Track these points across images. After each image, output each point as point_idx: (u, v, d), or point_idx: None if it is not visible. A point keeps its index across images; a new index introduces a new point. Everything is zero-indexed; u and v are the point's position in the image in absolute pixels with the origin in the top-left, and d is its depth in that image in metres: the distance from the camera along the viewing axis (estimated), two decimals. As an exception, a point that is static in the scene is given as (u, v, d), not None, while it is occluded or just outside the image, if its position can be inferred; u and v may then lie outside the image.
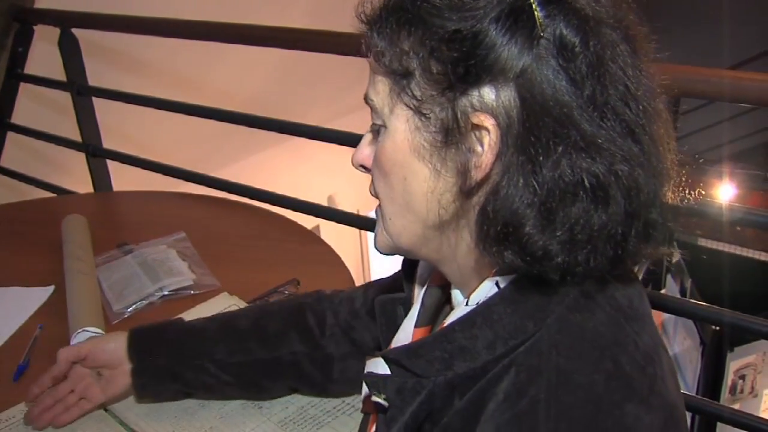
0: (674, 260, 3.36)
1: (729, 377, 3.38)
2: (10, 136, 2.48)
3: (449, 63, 0.61)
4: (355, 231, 5.62)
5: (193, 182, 2.09)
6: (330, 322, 1.06)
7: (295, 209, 1.89)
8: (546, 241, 0.59)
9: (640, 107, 0.61)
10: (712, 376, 2.86)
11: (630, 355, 0.62)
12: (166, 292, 1.41)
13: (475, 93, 0.61)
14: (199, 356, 1.05)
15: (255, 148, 4.39)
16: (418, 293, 0.81)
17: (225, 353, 1.04)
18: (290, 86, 4.20)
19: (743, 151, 5.68)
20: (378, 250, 0.75)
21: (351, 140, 1.82)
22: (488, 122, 0.60)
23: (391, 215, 0.71)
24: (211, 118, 2.03)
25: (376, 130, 0.70)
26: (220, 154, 3.96)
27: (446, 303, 0.80)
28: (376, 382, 0.71)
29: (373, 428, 0.78)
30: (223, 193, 1.97)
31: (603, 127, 0.59)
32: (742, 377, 3.45)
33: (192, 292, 1.42)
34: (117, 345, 1.06)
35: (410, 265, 0.85)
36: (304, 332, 1.05)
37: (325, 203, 5.15)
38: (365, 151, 0.74)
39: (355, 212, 2.02)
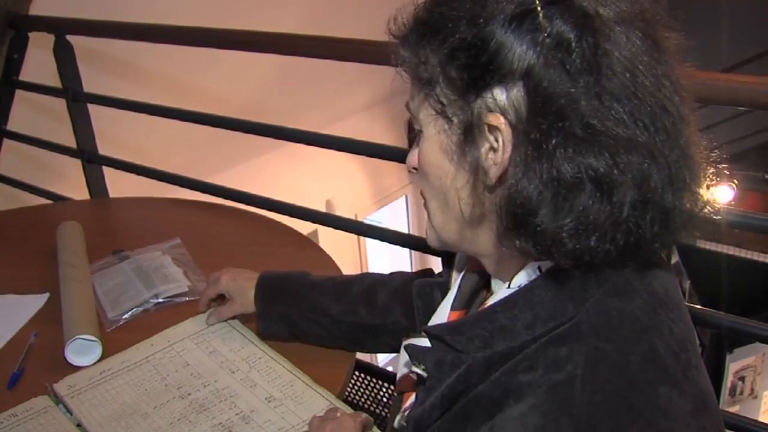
0: (672, 262, 3.36)
1: (728, 379, 3.38)
2: (6, 143, 2.47)
3: (463, 68, 0.66)
4: (353, 235, 5.62)
5: (189, 188, 2.08)
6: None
7: (291, 215, 1.88)
8: (555, 230, 0.63)
9: (651, 98, 0.63)
10: (712, 378, 2.85)
11: (665, 340, 0.65)
12: (161, 299, 1.41)
13: (489, 95, 0.65)
14: (314, 310, 1.18)
15: (251, 153, 4.38)
16: (456, 279, 0.86)
17: (338, 311, 1.17)
18: (285, 91, 4.20)
19: (740, 152, 5.69)
20: (430, 245, 0.81)
21: (345, 145, 1.82)
22: (500, 121, 0.65)
23: (434, 212, 0.77)
24: (206, 124, 2.03)
25: (418, 135, 0.76)
26: (216, 159, 3.95)
27: (482, 288, 0.84)
28: (418, 353, 0.76)
29: (408, 401, 0.81)
30: (219, 199, 1.97)
31: (606, 118, 0.62)
32: (742, 379, 3.45)
33: (187, 298, 1.41)
34: (252, 294, 1.22)
35: (449, 253, 0.92)
36: (407, 307, 1.12)
37: (323, 207, 5.16)
38: (414, 154, 0.79)
39: (353, 216, 2.02)
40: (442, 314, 0.84)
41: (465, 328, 0.71)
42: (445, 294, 0.87)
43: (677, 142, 0.65)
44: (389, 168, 5.96)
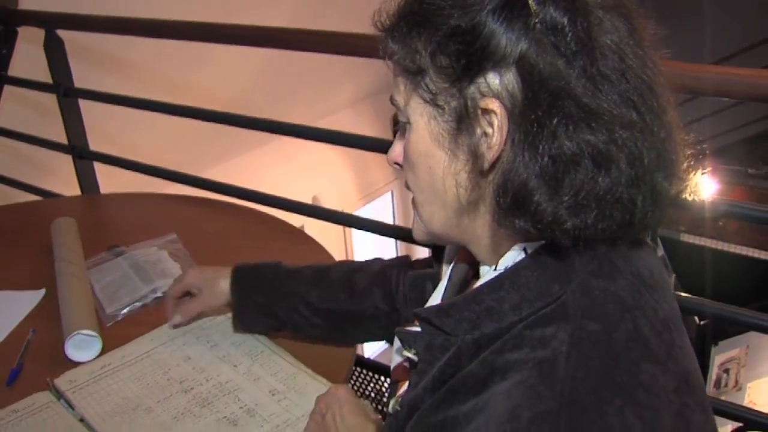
0: (658, 255, 3.38)
1: (713, 371, 3.41)
2: (-6, 138, 2.46)
3: (455, 56, 0.67)
4: (339, 230, 5.63)
5: (181, 183, 2.08)
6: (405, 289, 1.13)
7: (283, 208, 1.88)
8: (554, 208, 0.64)
9: (638, 79, 0.66)
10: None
11: (649, 320, 0.66)
12: (160, 294, 1.41)
13: (482, 80, 0.66)
14: (293, 298, 1.17)
15: (239, 150, 4.38)
16: (446, 270, 0.87)
17: (317, 298, 1.17)
18: (274, 87, 4.20)
19: (725, 146, 5.74)
20: (416, 239, 0.81)
21: (336, 138, 1.83)
22: (495, 105, 0.65)
23: (422, 203, 0.77)
24: (196, 118, 2.02)
25: (403, 128, 0.76)
26: (204, 156, 3.95)
27: (473, 279, 0.85)
28: (408, 337, 0.77)
29: (403, 388, 0.82)
30: (211, 194, 1.97)
31: (599, 98, 0.64)
32: (726, 371, 3.48)
33: (186, 293, 1.41)
34: (225, 283, 1.20)
35: (438, 246, 0.93)
36: (386, 292, 1.15)
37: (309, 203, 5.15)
38: (396, 148, 0.79)
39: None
40: (433, 303, 0.85)
41: (453, 311, 0.72)
42: (437, 285, 0.88)
43: (663, 122, 0.68)
44: (375, 164, 5.97)
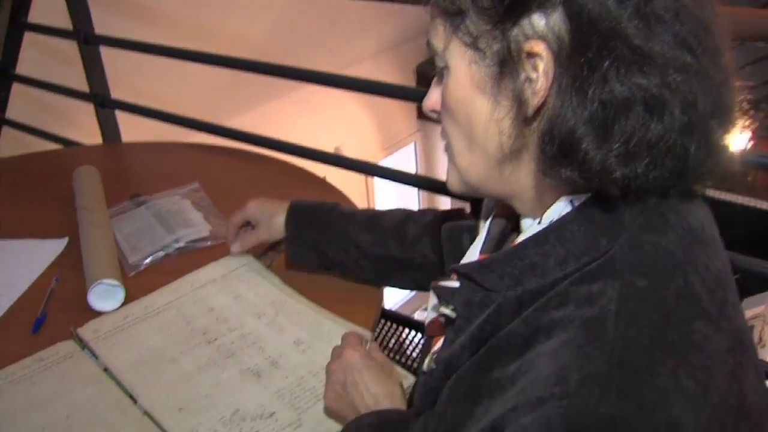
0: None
1: (738, 327, 3.38)
2: (16, 87, 2.43)
3: None
4: (361, 182, 5.60)
5: (204, 131, 2.05)
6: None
7: (307, 157, 1.85)
8: (603, 156, 0.60)
9: (693, 19, 0.61)
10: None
11: (700, 276, 0.63)
12: (182, 244, 1.39)
13: (526, 22, 0.62)
14: (344, 239, 1.19)
15: (260, 100, 4.34)
16: (484, 224, 0.84)
17: (367, 243, 1.18)
18: (300, 34, 4.13)
19: (755, 100, 5.61)
20: (451, 190, 0.78)
21: (362, 86, 1.78)
22: (540, 48, 0.61)
23: (460, 153, 0.73)
24: (219, 65, 1.97)
25: (440, 73, 0.72)
26: (226, 106, 3.91)
27: (512, 233, 0.82)
28: (446, 293, 0.75)
29: (438, 345, 0.79)
30: (234, 143, 1.94)
31: (652, 39, 0.59)
32: (751, 328, 3.45)
33: (209, 243, 1.40)
34: (280, 219, 1.23)
35: (475, 199, 0.90)
36: (436, 242, 1.13)
37: (332, 155, 5.12)
38: (433, 95, 0.76)
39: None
40: (472, 258, 0.82)
41: (495, 266, 0.69)
42: (474, 238, 0.86)
43: (720, 65, 0.63)
44: (398, 115, 5.91)
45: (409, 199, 6.33)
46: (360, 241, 1.19)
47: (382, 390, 0.92)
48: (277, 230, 1.24)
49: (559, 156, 0.62)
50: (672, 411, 0.55)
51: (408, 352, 2.33)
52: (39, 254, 1.41)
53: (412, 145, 6.35)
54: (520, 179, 0.71)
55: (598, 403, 0.55)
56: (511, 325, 0.66)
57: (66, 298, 1.28)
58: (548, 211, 0.69)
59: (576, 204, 0.67)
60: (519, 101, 0.64)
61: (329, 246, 1.20)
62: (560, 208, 0.68)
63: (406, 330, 2.32)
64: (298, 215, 1.23)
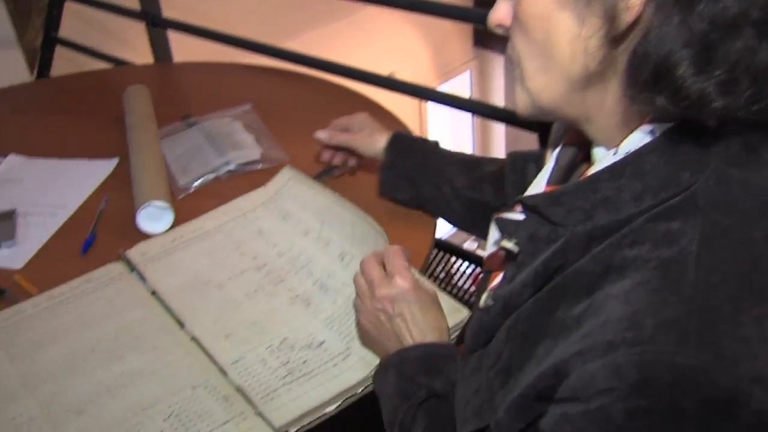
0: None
1: None
2: (68, 5, 2.40)
3: None
4: (414, 108, 5.51)
5: (257, 52, 1.99)
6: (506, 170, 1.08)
7: (360, 80, 1.79)
8: (703, 83, 0.53)
9: None
10: None
11: None
12: (233, 167, 1.36)
13: None
14: (440, 177, 1.14)
15: (315, 23, 4.26)
16: (552, 153, 0.78)
17: (463, 184, 1.13)
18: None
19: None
20: (519, 113, 0.71)
21: (418, 6, 1.70)
22: None
23: (534, 73, 0.66)
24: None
25: None
26: (279, 28, 3.84)
27: (581, 163, 0.76)
28: (509, 226, 0.71)
29: (496, 280, 0.74)
30: (287, 65, 1.88)
31: None
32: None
33: (260, 166, 1.36)
34: (382, 140, 1.19)
35: (545, 126, 0.82)
36: None
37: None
38: (502, 7, 0.68)
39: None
40: (538, 189, 0.76)
41: (564, 199, 0.64)
42: (540, 168, 0.79)
43: None
44: (453, 42, 5.77)
45: (463, 127, 6.24)
46: (456, 182, 1.13)
47: (429, 324, 0.87)
48: (372, 147, 1.20)
49: (652, 82, 0.55)
50: (756, 363, 0.50)
51: (457, 282, 2.30)
52: (89, 174, 1.39)
53: (467, 74, 6.22)
54: (603, 104, 0.64)
55: (675, 351, 0.50)
56: (578, 263, 0.61)
57: (115, 220, 1.26)
58: (626, 140, 0.62)
59: (657, 134, 0.60)
60: (610, 17, 0.57)
61: (423, 180, 1.15)
62: (640, 137, 0.61)
63: (455, 259, 2.28)
64: (399, 142, 1.18)
